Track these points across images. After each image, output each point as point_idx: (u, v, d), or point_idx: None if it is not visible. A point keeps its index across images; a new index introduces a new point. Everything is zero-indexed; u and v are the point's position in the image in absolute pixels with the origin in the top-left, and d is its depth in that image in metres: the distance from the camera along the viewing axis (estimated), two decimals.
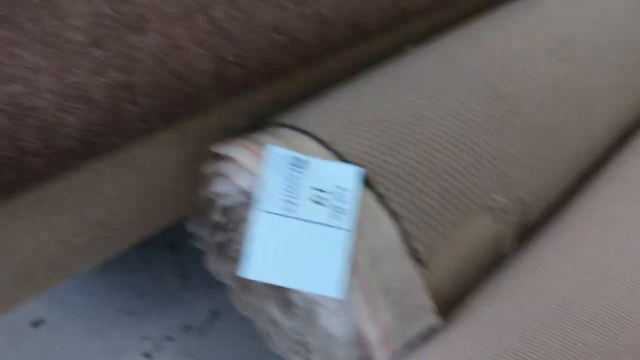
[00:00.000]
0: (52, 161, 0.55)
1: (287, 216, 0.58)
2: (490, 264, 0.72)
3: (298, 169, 0.60)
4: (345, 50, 0.73)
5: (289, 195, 0.59)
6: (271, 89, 0.70)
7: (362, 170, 0.61)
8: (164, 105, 0.60)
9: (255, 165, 0.62)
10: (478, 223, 0.69)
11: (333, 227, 0.58)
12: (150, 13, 0.62)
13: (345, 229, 0.58)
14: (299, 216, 0.59)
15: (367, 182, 0.62)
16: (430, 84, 0.72)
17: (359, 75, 0.77)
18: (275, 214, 0.58)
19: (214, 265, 0.82)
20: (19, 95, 0.54)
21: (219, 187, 0.69)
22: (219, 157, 0.68)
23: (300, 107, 0.72)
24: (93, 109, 0.56)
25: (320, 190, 0.60)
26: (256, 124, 0.72)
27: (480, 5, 0.91)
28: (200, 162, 0.72)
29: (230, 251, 0.78)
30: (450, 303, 0.67)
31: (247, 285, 0.80)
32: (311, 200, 0.59)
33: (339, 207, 0.59)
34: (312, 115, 0.69)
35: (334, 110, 0.69)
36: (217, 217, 0.74)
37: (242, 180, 0.63)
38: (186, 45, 0.62)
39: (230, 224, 0.75)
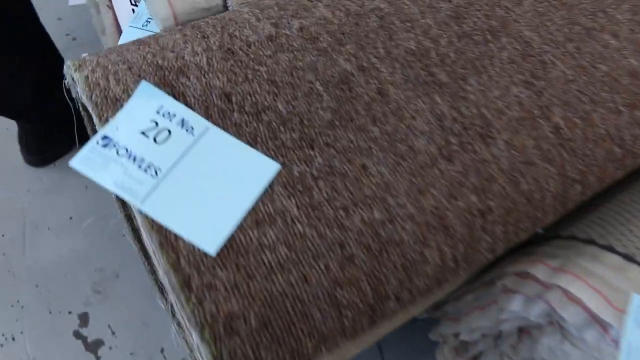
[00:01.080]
0: (404, 303, 0.42)
1: None
2: None
3: None
4: None
5: None
6: None
7: None
8: (510, 233, 0.46)
9: (594, 304, 0.48)
10: None
11: None
12: (492, 116, 0.48)
13: None
14: None
15: None
16: None
17: None
18: None
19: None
20: (377, 223, 0.40)
21: (516, 304, 0.55)
22: (524, 275, 0.54)
23: (605, 222, 0.57)
24: (451, 241, 0.43)
25: None
26: (555, 234, 0.58)
27: None
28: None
29: (480, 356, 0.65)
30: None
31: None
32: None
33: None
34: (629, 237, 0.54)
35: None
36: (484, 322, 0.61)
37: (569, 314, 0.49)
38: (535, 160, 0.47)
39: (501, 336, 0.61)
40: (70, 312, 0.82)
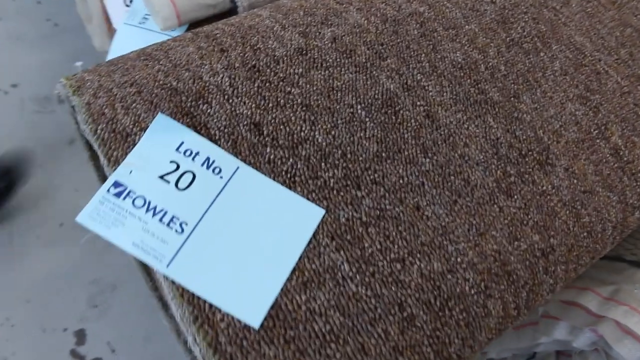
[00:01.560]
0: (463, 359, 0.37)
1: None
2: None
3: None
4: None
5: None
6: None
7: None
8: (571, 272, 0.41)
9: None
10: None
11: None
12: (549, 139, 0.42)
13: None
14: None
15: None
16: None
17: None
18: None
19: None
20: (437, 275, 0.35)
21: (560, 332, 0.51)
22: (570, 302, 0.50)
23: None
24: (513, 288, 0.37)
25: None
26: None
27: None
28: None
29: None
30: None
31: None
32: None
33: None
34: None
35: None
36: (517, 344, 0.57)
37: (625, 349, 0.45)
38: (596, 188, 0.42)
39: (535, 357, 0.58)
40: (65, 329, 0.76)
